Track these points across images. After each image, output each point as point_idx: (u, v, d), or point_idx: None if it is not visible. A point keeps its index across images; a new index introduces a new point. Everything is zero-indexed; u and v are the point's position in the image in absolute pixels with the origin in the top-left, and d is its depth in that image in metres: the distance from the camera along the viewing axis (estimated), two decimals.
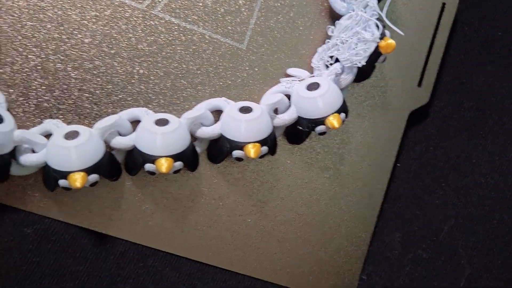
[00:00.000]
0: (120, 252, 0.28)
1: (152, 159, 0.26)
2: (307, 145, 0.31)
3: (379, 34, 0.28)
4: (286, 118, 0.28)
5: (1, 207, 0.27)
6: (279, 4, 0.30)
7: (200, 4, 0.29)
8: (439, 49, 0.33)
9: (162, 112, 0.28)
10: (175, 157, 0.26)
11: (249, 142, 0.27)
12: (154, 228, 0.29)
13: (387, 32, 0.29)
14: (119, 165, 0.28)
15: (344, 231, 0.32)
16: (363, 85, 0.32)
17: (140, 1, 0.28)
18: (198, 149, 0.28)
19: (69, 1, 0.27)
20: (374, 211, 0.33)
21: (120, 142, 0.26)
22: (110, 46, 0.28)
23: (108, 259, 0.28)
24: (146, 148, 0.26)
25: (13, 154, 0.26)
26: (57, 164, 0.25)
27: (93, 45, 0.28)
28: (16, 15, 0.27)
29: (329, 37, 0.30)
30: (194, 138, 0.28)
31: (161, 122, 0.26)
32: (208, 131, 0.27)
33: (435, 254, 0.34)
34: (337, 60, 0.29)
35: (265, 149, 0.27)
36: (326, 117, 0.28)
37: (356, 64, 0.29)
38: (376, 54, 0.29)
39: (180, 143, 0.26)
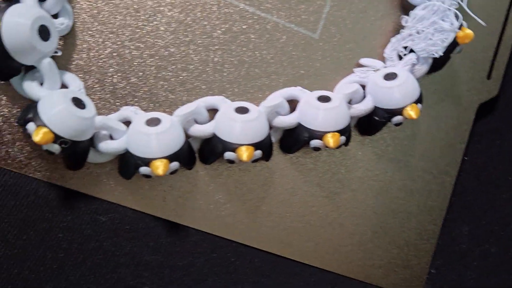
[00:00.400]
0: (193, 242, 0.28)
1: (233, 147, 0.25)
2: (378, 137, 0.30)
3: (458, 24, 0.28)
4: (362, 108, 0.28)
5: (76, 195, 0.26)
6: None
7: None
8: (508, 41, 0.33)
9: (236, 101, 0.28)
10: (256, 146, 0.26)
11: (328, 132, 0.26)
12: (227, 218, 0.28)
13: (464, 22, 0.29)
14: (195, 154, 0.27)
15: (413, 224, 0.32)
16: (433, 76, 0.31)
17: None
18: (272, 139, 0.28)
19: None
20: (443, 204, 0.32)
21: (199, 130, 0.26)
22: (185, 33, 0.28)
23: (182, 249, 0.28)
24: (226, 136, 0.26)
25: (91, 141, 0.25)
26: (139, 150, 0.25)
27: (169, 32, 0.27)
28: (92, 0, 0.27)
29: (402, 27, 0.30)
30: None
31: (242, 110, 0.26)
32: (286, 120, 0.27)
33: (503, 248, 0.33)
34: (411, 51, 0.29)
35: (343, 139, 0.27)
36: (403, 107, 0.28)
37: (433, 54, 0.28)
38: (452, 45, 0.28)
39: (261, 131, 0.26)
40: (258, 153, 0.26)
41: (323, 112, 0.26)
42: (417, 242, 0.32)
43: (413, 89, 0.28)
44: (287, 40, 0.29)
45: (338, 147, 0.27)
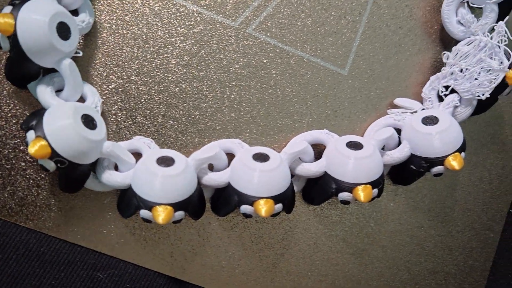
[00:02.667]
0: None
1: (250, 201, 0.22)
2: (413, 186, 0.27)
3: (508, 63, 0.25)
4: (398, 155, 0.25)
5: (72, 248, 0.23)
6: (384, 26, 0.27)
7: (299, 23, 0.26)
8: None
9: (254, 144, 0.25)
10: (276, 199, 0.22)
11: (359, 184, 0.23)
12: (240, 276, 0.25)
13: None
14: (205, 203, 0.24)
15: (452, 287, 0.28)
16: (474, 119, 0.28)
17: (233, 18, 0.25)
18: (295, 188, 0.25)
19: (155, 17, 0.24)
20: (486, 264, 0.29)
21: (213, 179, 0.23)
22: (199, 67, 0.25)
23: None
24: (243, 187, 0.22)
25: (93, 166, 0.22)
26: (143, 191, 0.21)
27: (180, 66, 0.25)
28: (96, 29, 0.24)
29: (442, 64, 0.26)
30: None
31: (261, 157, 0.23)
32: (311, 169, 0.24)
33: None
34: (452, 91, 0.26)
35: (375, 192, 0.24)
36: (445, 156, 0.24)
37: (478, 96, 0.25)
38: (501, 86, 0.25)
39: (282, 183, 0.23)
40: (279, 207, 0.23)
41: (354, 162, 0.23)
42: None
43: (456, 136, 0.24)
44: (312, 77, 0.26)
45: (370, 200, 0.24)
